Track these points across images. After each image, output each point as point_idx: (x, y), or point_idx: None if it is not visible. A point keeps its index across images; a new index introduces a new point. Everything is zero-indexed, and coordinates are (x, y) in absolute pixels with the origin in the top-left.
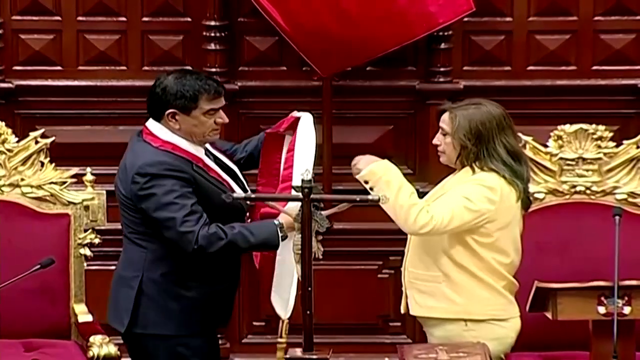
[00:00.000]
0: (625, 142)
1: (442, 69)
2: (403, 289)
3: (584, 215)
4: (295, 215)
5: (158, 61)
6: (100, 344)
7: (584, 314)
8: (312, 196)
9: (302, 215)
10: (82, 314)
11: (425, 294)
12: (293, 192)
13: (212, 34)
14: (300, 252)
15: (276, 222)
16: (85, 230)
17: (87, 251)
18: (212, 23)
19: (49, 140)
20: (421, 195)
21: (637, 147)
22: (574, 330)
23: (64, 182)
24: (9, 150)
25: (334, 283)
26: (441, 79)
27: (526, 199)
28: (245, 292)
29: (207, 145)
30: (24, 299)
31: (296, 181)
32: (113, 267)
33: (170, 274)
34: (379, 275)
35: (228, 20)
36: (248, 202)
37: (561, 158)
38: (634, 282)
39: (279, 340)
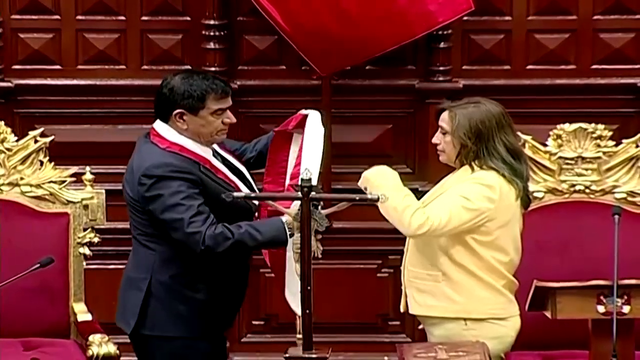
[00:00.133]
0: (624, 141)
1: (441, 68)
2: (402, 288)
3: (583, 214)
4: (294, 214)
5: (157, 60)
6: (100, 343)
7: (583, 313)
8: (311, 195)
9: (301, 215)
10: (82, 313)
11: (425, 293)
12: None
13: (212, 33)
14: (299, 251)
15: (283, 218)
16: (85, 230)
17: (86, 250)
18: (212, 22)
19: (48, 140)
20: (421, 194)
21: (637, 146)
22: (574, 329)
23: (63, 181)
24: (8, 150)
25: (333, 282)
26: (440, 78)
27: (526, 198)
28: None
29: (215, 146)
30: (23, 298)
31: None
32: (112, 267)
33: (179, 276)
34: (378, 275)
35: (227, 19)
36: (256, 202)
37: (560, 157)
38: (633, 281)
39: (298, 336)
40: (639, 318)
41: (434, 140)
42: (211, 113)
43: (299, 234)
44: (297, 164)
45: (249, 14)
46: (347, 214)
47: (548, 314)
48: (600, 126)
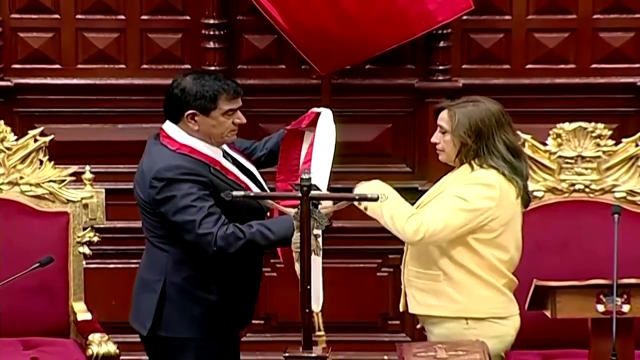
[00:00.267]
0: (624, 140)
1: (441, 67)
2: (402, 287)
3: (583, 213)
4: (294, 213)
5: (157, 59)
6: (99, 342)
7: (583, 312)
8: (310, 194)
9: (300, 214)
10: (81, 312)
11: (425, 292)
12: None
13: (211, 32)
14: (299, 250)
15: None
16: (84, 229)
17: (86, 249)
18: (211, 21)
19: (47, 139)
20: (420, 193)
21: (636, 145)
22: (573, 329)
23: (63, 181)
24: (7, 149)
25: (333, 281)
26: (440, 77)
27: (526, 196)
28: None
29: (225, 147)
30: (23, 298)
31: (314, 177)
32: (112, 266)
33: (192, 278)
34: (378, 274)
35: (227, 18)
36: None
37: (560, 156)
38: (632, 281)
39: (318, 333)
40: (638, 317)
41: (433, 139)
42: (223, 114)
43: (298, 234)
44: (306, 161)
45: (248, 13)
46: (346, 213)
47: (548, 313)
48: (600, 125)
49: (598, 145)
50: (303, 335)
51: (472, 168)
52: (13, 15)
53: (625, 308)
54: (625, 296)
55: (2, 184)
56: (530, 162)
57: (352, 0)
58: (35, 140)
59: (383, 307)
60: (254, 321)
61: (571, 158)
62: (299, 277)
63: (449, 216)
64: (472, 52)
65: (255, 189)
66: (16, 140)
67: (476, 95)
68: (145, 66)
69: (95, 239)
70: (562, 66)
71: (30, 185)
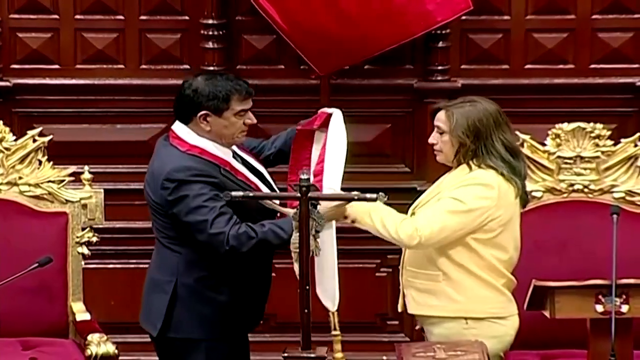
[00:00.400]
0: (623, 140)
1: (440, 68)
2: (400, 287)
3: (581, 213)
4: (292, 213)
5: (156, 60)
6: (98, 343)
7: (582, 313)
8: (309, 194)
9: (299, 214)
10: (80, 312)
11: (424, 293)
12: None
13: (210, 33)
14: (297, 250)
15: None
16: (83, 229)
17: (84, 250)
18: (210, 21)
19: (46, 139)
20: (419, 193)
21: (635, 146)
22: (572, 329)
23: (62, 181)
24: (6, 149)
25: None
26: (439, 78)
27: (524, 196)
28: None
29: (234, 147)
30: (22, 298)
31: (326, 179)
32: (111, 266)
33: (203, 279)
34: (377, 274)
35: (226, 18)
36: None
37: (559, 156)
38: (631, 281)
39: (334, 332)
40: (637, 317)
41: (431, 140)
42: (235, 114)
43: (297, 234)
44: (320, 162)
45: (247, 13)
46: None
47: (547, 314)
48: (599, 125)
49: (597, 145)
50: (302, 335)
51: (470, 168)
52: (12, 16)
53: (624, 308)
54: (624, 296)
55: (1, 184)
56: (529, 162)
57: (351, 0)
58: (34, 141)
59: (382, 307)
60: None
61: (570, 158)
62: (314, 276)
63: (445, 219)
64: (471, 52)
65: (264, 189)
66: (15, 140)
67: (475, 95)
68: (144, 66)
69: (94, 239)
70: (561, 66)
71: (29, 185)
